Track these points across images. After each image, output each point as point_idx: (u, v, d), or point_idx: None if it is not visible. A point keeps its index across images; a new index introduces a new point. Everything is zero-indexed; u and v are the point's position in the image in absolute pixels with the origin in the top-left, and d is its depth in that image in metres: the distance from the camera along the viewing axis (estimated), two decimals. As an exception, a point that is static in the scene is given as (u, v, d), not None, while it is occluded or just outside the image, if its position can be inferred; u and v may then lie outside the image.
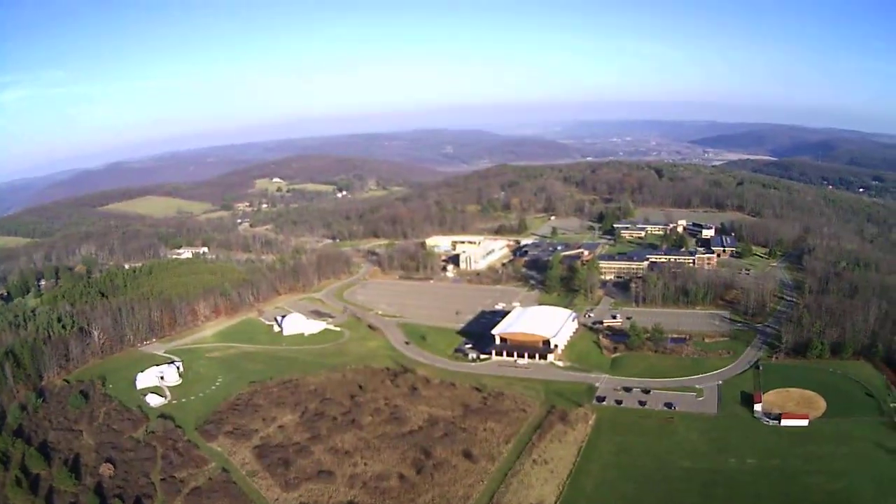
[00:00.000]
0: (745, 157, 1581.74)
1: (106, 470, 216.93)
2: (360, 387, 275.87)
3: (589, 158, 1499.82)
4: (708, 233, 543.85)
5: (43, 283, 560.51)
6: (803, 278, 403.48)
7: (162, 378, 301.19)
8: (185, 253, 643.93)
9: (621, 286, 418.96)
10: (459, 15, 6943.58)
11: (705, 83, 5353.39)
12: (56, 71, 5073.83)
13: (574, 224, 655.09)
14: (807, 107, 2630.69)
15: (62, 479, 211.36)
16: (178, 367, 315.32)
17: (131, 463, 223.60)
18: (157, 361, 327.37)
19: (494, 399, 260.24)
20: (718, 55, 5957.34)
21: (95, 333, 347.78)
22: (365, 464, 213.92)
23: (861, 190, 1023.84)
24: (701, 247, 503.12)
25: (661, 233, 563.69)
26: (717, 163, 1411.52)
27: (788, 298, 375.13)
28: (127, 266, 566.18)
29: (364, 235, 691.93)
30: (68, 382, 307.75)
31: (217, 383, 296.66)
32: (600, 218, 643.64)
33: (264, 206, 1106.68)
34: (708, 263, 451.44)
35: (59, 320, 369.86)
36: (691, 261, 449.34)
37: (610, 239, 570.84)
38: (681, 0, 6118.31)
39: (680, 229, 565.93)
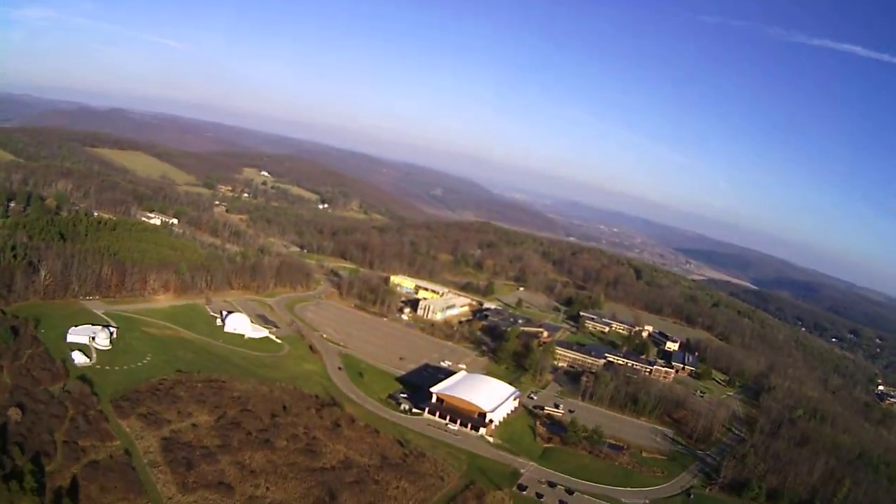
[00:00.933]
0: (727, 278, 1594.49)
1: (14, 414, 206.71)
2: (285, 407, 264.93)
3: (572, 239, 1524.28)
4: (672, 345, 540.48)
5: (12, 205, 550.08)
6: (756, 416, 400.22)
7: (93, 339, 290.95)
8: (155, 219, 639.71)
9: (572, 377, 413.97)
10: (479, 64, 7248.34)
11: (702, 195, 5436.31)
12: (88, 2, 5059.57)
13: (541, 301, 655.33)
14: (799, 243, 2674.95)
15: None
16: (111, 332, 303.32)
17: (40, 415, 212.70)
18: (93, 320, 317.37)
19: (415, 458, 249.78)
20: (721, 171, 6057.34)
21: (42, 273, 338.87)
22: (267, 488, 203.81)
23: (834, 340, 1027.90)
24: (662, 358, 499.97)
25: (625, 333, 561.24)
26: (696, 277, 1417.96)
27: (736, 432, 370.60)
28: (95, 214, 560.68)
29: (332, 253, 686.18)
30: (3, 313, 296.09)
31: (145, 360, 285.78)
32: (569, 302, 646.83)
33: (245, 195, 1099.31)
34: (664, 377, 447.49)
35: (13, 249, 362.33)
36: (648, 370, 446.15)
37: (573, 325, 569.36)
38: (693, 109, 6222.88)
39: (645, 334, 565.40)
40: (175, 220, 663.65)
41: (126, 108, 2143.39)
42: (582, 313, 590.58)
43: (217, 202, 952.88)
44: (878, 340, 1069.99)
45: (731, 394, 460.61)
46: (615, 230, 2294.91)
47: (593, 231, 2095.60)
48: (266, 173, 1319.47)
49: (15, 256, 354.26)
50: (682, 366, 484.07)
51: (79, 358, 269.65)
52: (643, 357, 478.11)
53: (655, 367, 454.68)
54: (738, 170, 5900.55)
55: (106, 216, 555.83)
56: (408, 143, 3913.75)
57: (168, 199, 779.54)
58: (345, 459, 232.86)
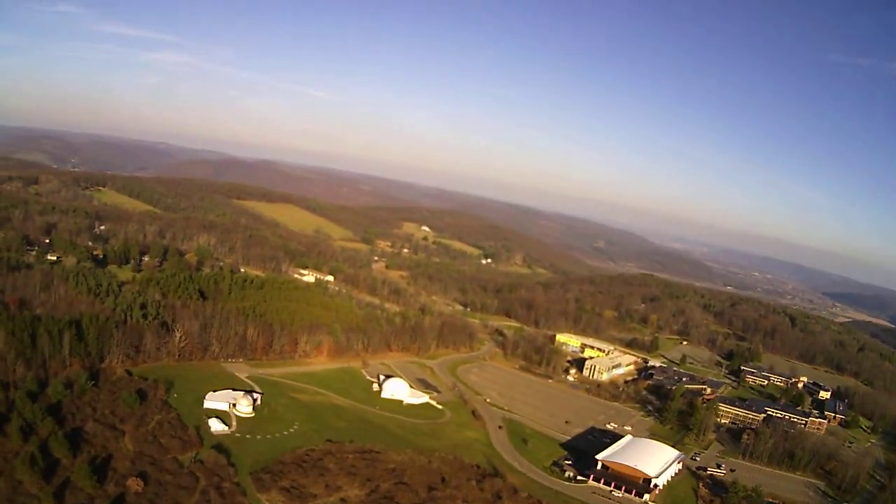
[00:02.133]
0: (867, 318, 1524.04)
1: (134, 485, 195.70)
2: (443, 479, 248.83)
3: (729, 288, 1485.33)
4: (824, 394, 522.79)
5: (146, 258, 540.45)
6: None
7: (234, 405, 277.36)
8: (308, 276, 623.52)
9: (734, 434, 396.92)
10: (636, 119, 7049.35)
11: (845, 236, 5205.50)
12: (225, 49, 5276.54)
13: (704, 355, 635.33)
14: None
15: (82, 475, 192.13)
16: (255, 398, 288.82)
17: (165, 486, 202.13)
18: (235, 385, 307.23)
19: None
20: (865, 211, 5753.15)
21: (178, 334, 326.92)
22: None
23: None
24: (815, 408, 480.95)
25: (782, 385, 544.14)
26: (842, 319, 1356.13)
27: (879, 479, 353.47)
28: (242, 270, 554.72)
29: (496, 311, 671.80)
30: (130, 375, 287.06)
31: (292, 429, 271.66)
32: (729, 355, 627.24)
33: (405, 251, 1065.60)
34: (818, 428, 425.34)
35: (143, 307, 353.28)
36: (804, 422, 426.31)
37: (734, 380, 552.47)
38: (839, 152, 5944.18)
39: (800, 385, 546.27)
40: (331, 278, 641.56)
41: (274, 159, 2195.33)
42: (742, 367, 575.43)
43: (376, 258, 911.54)
44: None
45: (874, 441, 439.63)
46: (768, 276, 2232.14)
47: (749, 279, 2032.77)
48: (427, 228, 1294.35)
49: (145, 315, 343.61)
50: (833, 415, 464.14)
51: (216, 425, 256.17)
52: (799, 409, 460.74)
53: (810, 419, 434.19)
54: (883, 210, 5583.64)
55: (254, 273, 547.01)
56: (568, 194, 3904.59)
57: (323, 255, 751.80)
58: None
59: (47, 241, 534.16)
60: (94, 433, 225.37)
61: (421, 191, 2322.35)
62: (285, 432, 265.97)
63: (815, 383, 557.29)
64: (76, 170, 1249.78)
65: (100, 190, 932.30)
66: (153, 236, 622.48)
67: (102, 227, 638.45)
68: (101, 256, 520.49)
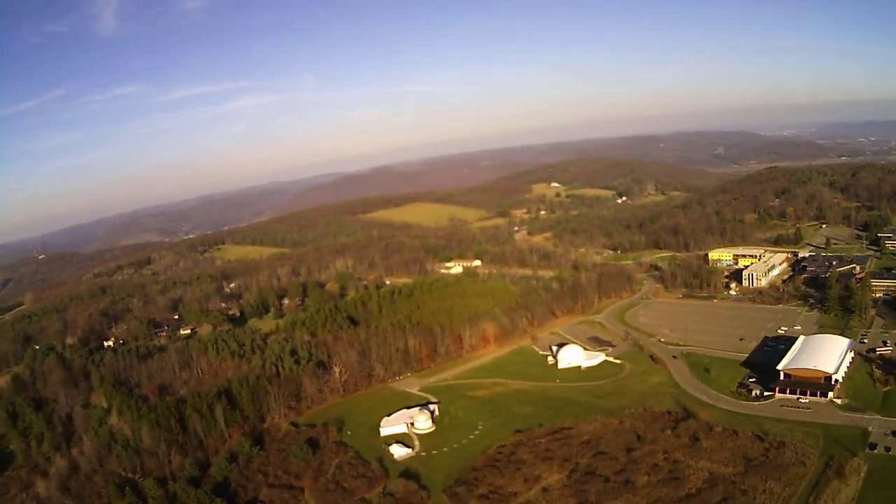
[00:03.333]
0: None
1: None
2: (639, 437, 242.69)
3: (843, 158, 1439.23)
4: None
5: (286, 301, 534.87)
6: None
7: (412, 424, 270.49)
8: (456, 267, 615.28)
9: (890, 305, 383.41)
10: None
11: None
12: (305, 77, 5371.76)
13: (844, 233, 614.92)
14: None
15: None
16: (431, 411, 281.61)
17: None
18: (409, 401, 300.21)
19: (776, 450, 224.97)
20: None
21: (336, 370, 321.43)
22: None
23: None
24: None
25: None
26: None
27: None
28: (387, 283, 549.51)
29: (645, 246, 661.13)
30: (296, 427, 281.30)
31: (477, 431, 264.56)
32: (865, 227, 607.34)
33: (542, 212, 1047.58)
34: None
35: (293, 353, 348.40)
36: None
37: (876, 250, 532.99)
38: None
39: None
40: (478, 262, 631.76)
41: (386, 164, 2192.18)
42: (879, 235, 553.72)
43: (516, 228, 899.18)
44: None
45: None
46: (872, 139, 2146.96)
47: (857, 145, 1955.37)
48: (556, 184, 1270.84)
49: (297, 361, 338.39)
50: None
51: (398, 451, 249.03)
52: None
53: None
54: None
55: (400, 281, 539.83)
56: (676, 113, 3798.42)
57: (463, 241, 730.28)
58: (709, 477, 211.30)
59: (176, 317, 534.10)
60: (271, 499, 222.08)
61: (539, 150, 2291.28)
62: (471, 436, 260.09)
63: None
64: (190, 237, 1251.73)
65: (220, 248, 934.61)
66: (287, 277, 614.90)
67: (232, 285, 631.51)
68: (239, 314, 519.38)
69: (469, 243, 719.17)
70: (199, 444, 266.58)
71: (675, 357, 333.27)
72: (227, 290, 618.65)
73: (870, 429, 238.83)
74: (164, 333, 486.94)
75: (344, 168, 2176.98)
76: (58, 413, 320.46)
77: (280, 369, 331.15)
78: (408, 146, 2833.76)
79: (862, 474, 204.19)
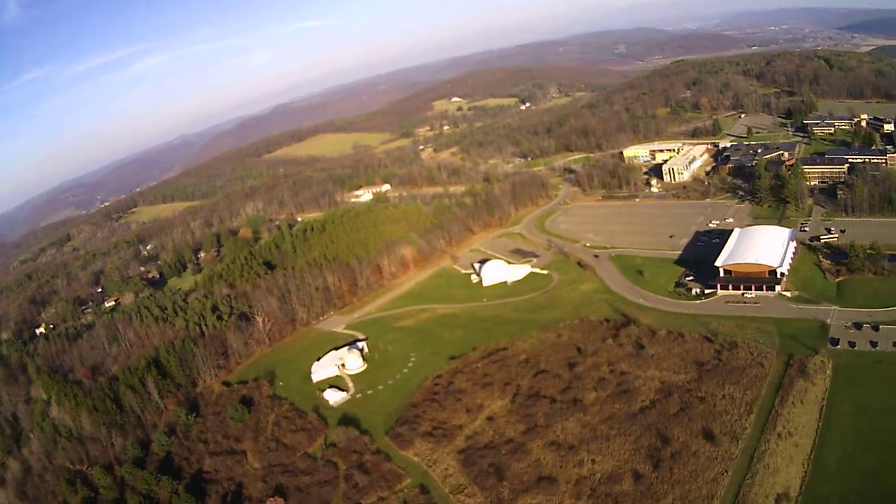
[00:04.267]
0: (887, 42, 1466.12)
1: None
2: (579, 349, 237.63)
3: (754, 48, 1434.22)
4: (889, 127, 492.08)
5: (202, 255, 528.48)
6: None
7: (343, 366, 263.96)
8: (365, 195, 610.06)
9: (827, 192, 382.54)
10: None
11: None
12: (201, 30, 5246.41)
13: (766, 121, 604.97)
14: None
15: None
16: (360, 349, 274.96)
17: (308, 491, 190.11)
18: (336, 342, 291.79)
19: (728, 352, 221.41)
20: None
21: (259, 320, 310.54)
22: (592, 461, 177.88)
23: None
24: (887, 143, 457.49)
25: (848, 127, 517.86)
26: (865, 48, 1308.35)
27: None
28: (300, 219, 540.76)
29: (556, 151, 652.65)
30: (228, 386, 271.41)
31: (410, 363, 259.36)
32: (788, 114, 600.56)
33: (446, 128, 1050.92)
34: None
35: (215, 309, 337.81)
36: (884, 161, 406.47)
37: (804, 136, 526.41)
38: None
39: (864, 124, 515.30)
40: (387, 186, 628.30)
41: (288, 100, 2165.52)
42: (806, 121, 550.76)
43: (421, 147, 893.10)
44: None
45: None
46: (784, 27, 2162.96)
47: (768, 34, 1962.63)
48: (457, 98, 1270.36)
49: (220, 317, 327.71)
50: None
51: (333, 396, 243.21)
52: (874, 149, 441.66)
53: (888, 155, 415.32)
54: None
55: (312, 217, 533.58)
56: (572, 17, 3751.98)
57: (370, 168, 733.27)
58: (661, 387, 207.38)
59: (99, 290, 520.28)
60: (216, 468, 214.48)
61: (437, 67, 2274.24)
62: (405, 370, 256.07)
63: (875, 118, 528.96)
64: (105, 205, 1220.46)
65: (133, 212, 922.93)
66: (201, 230, 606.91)
67: (149, 248, 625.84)
68: (158, 276, 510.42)
69: (376, 168, 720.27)
70: (138, 420, 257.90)
71: (595, 256, 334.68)
72: (145, 253, 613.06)
73: (828, 321, 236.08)
74: (89, 310, 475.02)
75: (246, 112, 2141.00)
76: (3, 414, 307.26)
77: (204, 328, 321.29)
78: (307, 81, 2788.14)
79: (828, 372, 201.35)
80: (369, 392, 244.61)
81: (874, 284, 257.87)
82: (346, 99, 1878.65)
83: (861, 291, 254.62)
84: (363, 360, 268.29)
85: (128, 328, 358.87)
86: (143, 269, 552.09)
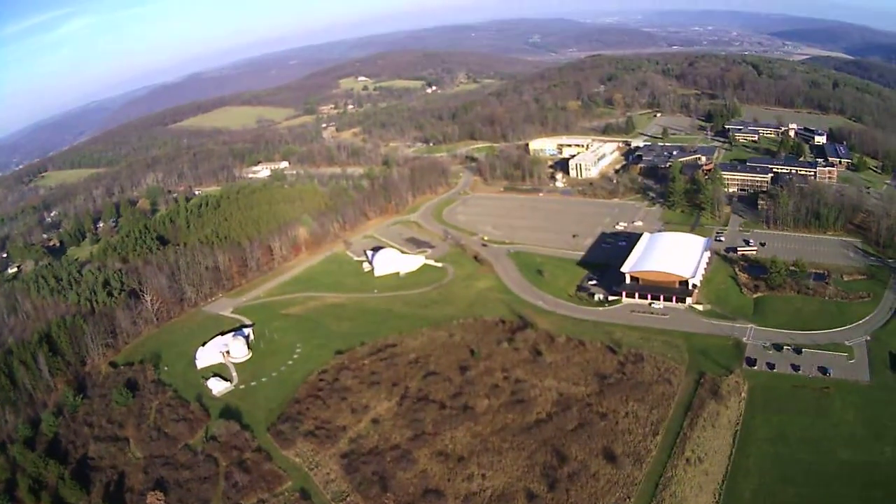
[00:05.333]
0: (823, 52, 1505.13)
1: (154, 500, 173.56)
2: (472, 351, 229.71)
3: (675, 47, 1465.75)
4: (820, 139, 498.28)
5: (100, 225, 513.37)
6: None
7: (228, 353, 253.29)
8: (263, 171, 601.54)
9: (747, 201, 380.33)
10: None
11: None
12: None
13: (683, 122, 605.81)
14: (875, 9, 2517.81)
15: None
16: (246, 336, 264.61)
17: (188, 486, 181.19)
18: (223, 326, 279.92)
19: (633, 365, 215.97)
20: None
21: (148, 298, 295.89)
22: (483, 476, 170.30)
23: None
24: (817, 155, 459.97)
25: (774, 136, 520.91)
26: (798, 57, 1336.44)
27: None
28: (198, 193, 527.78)
29: (460, 138, 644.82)
30: (115, 367, 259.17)
31: (295, 354, 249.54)
32: (709, 117, 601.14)
33: (350, 107, 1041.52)
34: (829, 177, 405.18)
35: (106, 284, 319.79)
36: (812, 173, 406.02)
37: (724, 141, 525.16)
38: None
39: (791, 133, 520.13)
40: (285, 163, 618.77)
41: (201, 69, 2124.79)
42: (728, 126, 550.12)
43: (324, 125, 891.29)
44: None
45: (888, 182, 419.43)
46: (710, 28, 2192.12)
47: (691, 34, 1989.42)
48: (364, 77, 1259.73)
49: (110, 293, 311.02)
50: (838, 160, 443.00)
51: (216, 386, 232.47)
52: (802, 160, 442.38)
53: (818, 168, 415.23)
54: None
55: (210, 191, 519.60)
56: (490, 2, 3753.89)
57: (270, 143, 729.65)
58: (559, 398, 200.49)
59: (4, 255, 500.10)
60: (100, 455, 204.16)
61: (349, 44, 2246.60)
62: (290, 361, 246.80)
63: (805, 128, 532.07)
64: (19, 168, 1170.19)
65: (43, 176, 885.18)
66: (102, 198, 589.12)
67: (53, 214, 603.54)
68: (59, 245, 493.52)
69: (276, 144, 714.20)
70: (29, 398, 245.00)
71: (483, 244, 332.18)
72: (49, 219, 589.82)
73: (745, 339, 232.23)
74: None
75: (160, 79, 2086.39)
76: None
77: (95, 304, 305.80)
78: (223, 51, 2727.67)
79: (743, 394, 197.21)
80: (253, 383, 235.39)
81: (797, 304, 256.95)
82: (256, 72, 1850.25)
83: (782, 310, 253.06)
84: (248, 347, 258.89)
85: (25, 299, 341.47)
86: (45, 236, 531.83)
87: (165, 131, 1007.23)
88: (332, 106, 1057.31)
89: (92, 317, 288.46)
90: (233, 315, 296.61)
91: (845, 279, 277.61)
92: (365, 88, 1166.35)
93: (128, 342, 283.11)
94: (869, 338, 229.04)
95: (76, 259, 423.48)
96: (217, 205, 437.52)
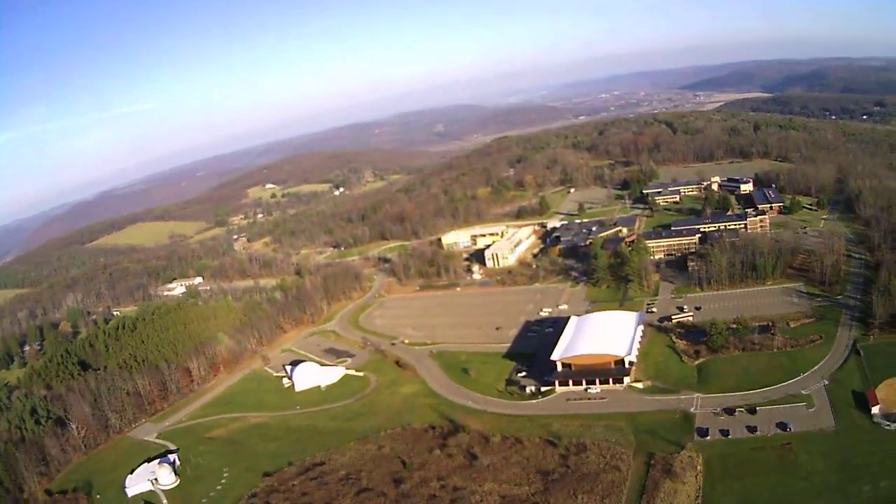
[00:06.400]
0: (739, 96, 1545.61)
1: None
2: (404, 463, 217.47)
3: (582, 118, 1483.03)
4: (746, 187, 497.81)
5: (27, 349, 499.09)
6: (864, 230, 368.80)
7: (156, 480, 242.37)
8: (178, 288, 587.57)
9: (676, 266, 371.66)
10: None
11: (681, 27, 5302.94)
12: (37, 107, 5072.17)
13: (598, 195, 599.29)
14: (791, 39, 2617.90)
15: None
16: (172, 462, 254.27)
17: None
18: (149, 452, 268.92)
19: (576, 456, 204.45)
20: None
21: (74, 426, 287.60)
22: None
23: (865, 117, 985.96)
24: (746, 206, 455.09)
25: (696, 193, 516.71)
26: (711, 106, 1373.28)
27: (856, 256, 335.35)
28: (117, 313, 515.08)
29: (371, 239, 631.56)
30: (51, 495, 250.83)
31: (223, 480, 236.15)
32: (625, 185, 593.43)
33: (259, 216, 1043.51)
34: (761, 226, 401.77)
35: (34, 413, 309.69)
36: (743, 225, 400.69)
37: (644, 207, 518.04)
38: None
39: (715, 187, 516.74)
40: (199, 279, 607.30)
41: (110, 188, 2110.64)
42: (646, 191, 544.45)
43: (235, 236, 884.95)
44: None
45: (826, 217, 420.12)
46: (616, 93, 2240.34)
47: (598, 102, 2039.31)
48: (271, 185, 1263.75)
49: (38, 421, 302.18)
50: (769, 206, 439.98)
51: None
52: (730, 213, 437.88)
53: (748, 219, 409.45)
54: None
55: (127, 311, 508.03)
56: (391, 95, 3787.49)
57: (183, 259, 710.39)
58: (502, 502, 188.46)
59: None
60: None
61: (255, 152, 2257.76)
62: (218, 487, 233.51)
63: (729, 179, 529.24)
64: None
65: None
66: (26, 320, 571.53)
67: None
68: None
69: (189, 260, 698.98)
70: None
71: (393, 344, 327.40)
72: None
73: (692, 410, 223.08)
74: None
75: (75, 197, 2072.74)
76: None
77: (24, 431, 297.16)
78: (133, 166, 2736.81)
79: (699, 467, 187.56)
80: None
81: (743, 362, 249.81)
82: (166, 186, 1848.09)
83: (728, 372, 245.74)
84: (175, 474, 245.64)
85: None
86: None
87: (83, 250, 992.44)
88: (242, 216, 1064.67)
89: (23, 444, 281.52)
90: (158, 440, 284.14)
91: (792, 326, 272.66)
92: (273, 196, 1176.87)
93: (60, 469, 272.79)
94: (827, 381, 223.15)
95: (6, 383, 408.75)
96: (133, 327, 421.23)
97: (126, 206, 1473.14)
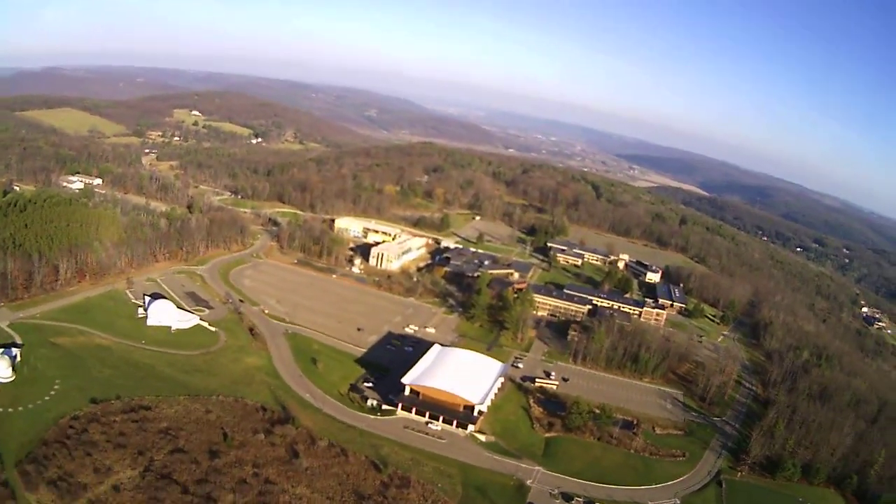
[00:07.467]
0: (674, 184, 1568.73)
1: None
2: (226, 436, 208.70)
3: (511, 151, 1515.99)
4: (653, 277, 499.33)
5: None
6: (763, 361, 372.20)
7: None
8: (77, 183, 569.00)
9: (556, 329, 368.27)
10: None
11: (642, 100, 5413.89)
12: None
13: (502, 231, 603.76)
14: (743, 148, 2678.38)
15: None
16: (13, 356, 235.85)
17: None
18: None
19: (397, 489, 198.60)
20: (655, 74, 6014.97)
21: None
22: None
23: (799, 249, 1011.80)
24: (647, 294, 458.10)
25: (600, 264, 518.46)
26: (644, 184, 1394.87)
27: (747, 385, 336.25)
28: (16, 189, 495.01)
29: (269, 197, 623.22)
30: None
31: (53, 390, 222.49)
32: (531, 230, 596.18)
33: (176, 139, 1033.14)
34: (656, 319, 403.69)
35: None
36: (638, 312, 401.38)
37: (543, 260, 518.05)
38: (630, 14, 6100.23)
39: (621, 265, 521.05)
40: (99, 181, 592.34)
41: (62, 65, 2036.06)
42: (550, 244, 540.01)
43: (147, 150, 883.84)
44: (845, 251, 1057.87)
45: (726, 332, 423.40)
46: (553, 139, 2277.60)
47: (532, 141, 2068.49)
48: (197, 112, 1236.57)
49: None
50: (670, 303, 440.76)
51: None
52: (628, 297, 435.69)
53: (645, 308, 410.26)
54: (679, 75, 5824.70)
55: (26, 189, 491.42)
56: (337, 65, 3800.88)
57: (93, 156, 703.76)
58: None
59: None
60: None
61: (193, 76, 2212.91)
62: (47, 397, 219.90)
63: (639, 262, 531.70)
64: None
65: None
66: None
67: None
68: None
69: (98, 159, 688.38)
70: None
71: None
72: None
73: (528, 482, 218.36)
74: None
75: (25, 64, 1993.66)
76: None
77: None
78: (89, 50, 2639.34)
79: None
80: (10, 410, 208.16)
81: (596, 452, 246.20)
82: (105, 80, 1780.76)
83: (578, 456, 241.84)
84: (13, 370, 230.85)
85: None
86: None
87: (10, 117, 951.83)
88: (160, 133, 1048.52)
89: None
90: (7, 329, 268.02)
91: (658, 432, 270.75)
92: (195, 123, 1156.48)
93: None
94: (678, 502, 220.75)
95: None
96: (24, 208, 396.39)
97: (65, 86, 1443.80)
